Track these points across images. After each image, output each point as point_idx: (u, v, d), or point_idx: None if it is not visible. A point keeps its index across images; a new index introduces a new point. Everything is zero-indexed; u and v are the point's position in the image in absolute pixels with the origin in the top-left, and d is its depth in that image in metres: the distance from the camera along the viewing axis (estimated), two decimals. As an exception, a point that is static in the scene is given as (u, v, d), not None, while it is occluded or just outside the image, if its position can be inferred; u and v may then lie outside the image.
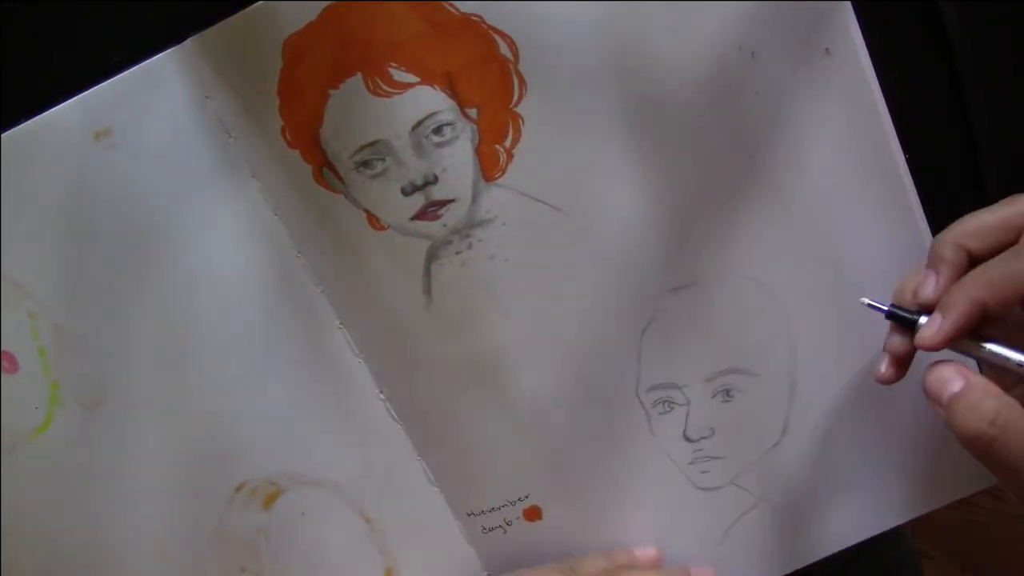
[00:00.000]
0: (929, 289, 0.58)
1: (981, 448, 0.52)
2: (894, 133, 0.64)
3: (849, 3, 0.62)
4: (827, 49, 0.62)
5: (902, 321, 0.59)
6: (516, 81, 0.62)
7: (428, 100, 0.62)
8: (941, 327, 0.56)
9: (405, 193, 0.63)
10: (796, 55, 0.62)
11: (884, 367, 0.61)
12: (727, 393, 0.67)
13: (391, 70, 0.61)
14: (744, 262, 0.65)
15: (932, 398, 0.56)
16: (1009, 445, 0.52)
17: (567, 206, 0.64)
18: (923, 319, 0.58)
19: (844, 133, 0.64)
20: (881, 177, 0.64)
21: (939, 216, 0.65)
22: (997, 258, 0.56)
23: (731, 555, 0.70)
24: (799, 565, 0.70)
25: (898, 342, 0.60)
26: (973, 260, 0.57)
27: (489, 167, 0.63)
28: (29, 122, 0.65)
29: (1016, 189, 0.67)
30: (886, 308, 0.60)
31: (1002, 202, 0.58)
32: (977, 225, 0.58)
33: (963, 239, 0.58)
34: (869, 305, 0.61)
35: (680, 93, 0.62)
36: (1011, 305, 0.55)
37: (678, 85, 0.62)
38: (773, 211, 0.64)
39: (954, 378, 0.55)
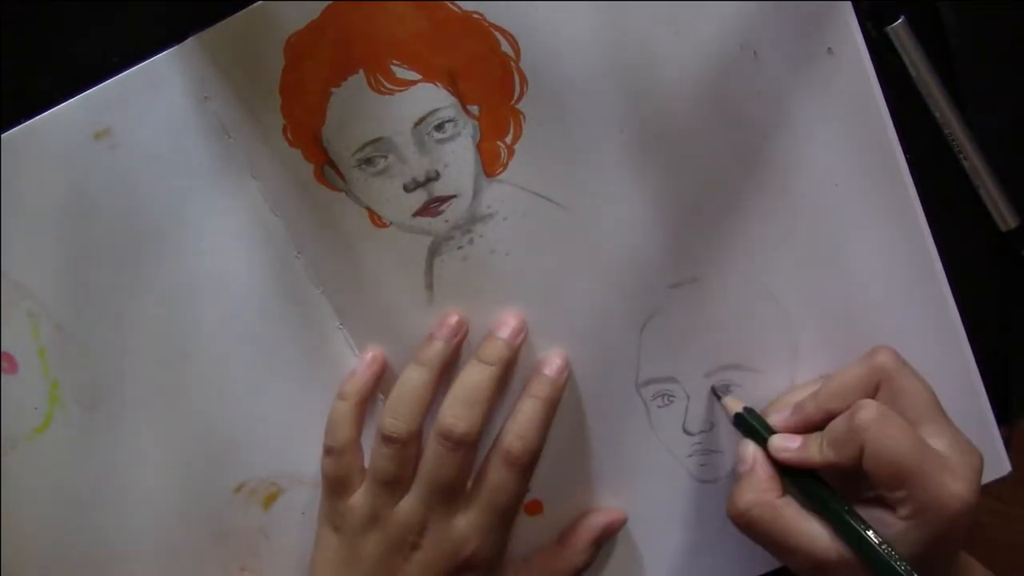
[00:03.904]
0: (775, 420, 0.64)
1: (738, 527, 0.63)
2: (895, 133, 0.64)
3: (850, 3, 0.62)
4: (829, 49, 0.63)
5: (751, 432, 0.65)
6: (517, 78, 0.62)
7: (430, 97, 0.62)
8: (787, 455, 0.63)
9: (407, 190, 0.63)
10: (798, 55, 0.63)
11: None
12: (726, 388, 0.67)
13: (393, 67, 0.62)
14: (744, 260, 0.65)
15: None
16: (753, 534, 0.62)
17: (568, 202, 0.64)
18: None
19: (845, 133, 0.64)
20: (882, 177, 0.65)
21: (939, 216, 0.65)
22: (838, 418, 0.61)
23: (730, 546, 0.69)
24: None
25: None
26: (834, 418, 0.62)
27: (490, 163, 0.63)
28: (29, 122, 0.65)
29: (1014, 189, 0.67)
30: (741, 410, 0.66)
31: (862, 357, 0.63)
32: (835, 388, 0.63)
33: (826, 403, 0.63)
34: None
35: (682, 91, 0.63)
36: (853, 462, 0.59)
37: (679, 83, 0.63)
38: (774, 209, 0.65)
39: (745, 460, 0.63)
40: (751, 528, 0.61)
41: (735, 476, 0.64)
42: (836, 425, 0.60)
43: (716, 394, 0.67)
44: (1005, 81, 0.68)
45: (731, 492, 0.62)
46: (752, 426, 0.64)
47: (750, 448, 0.63)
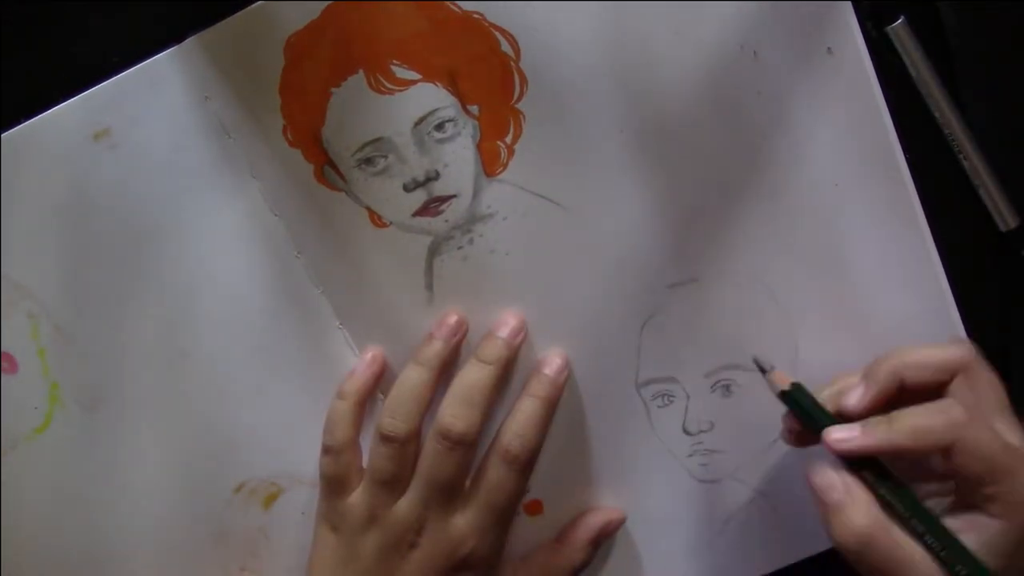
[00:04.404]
0: (854, 400, 0.61)
1: (852, 558, 0.58)
2: (895, 133, 0.64)
3: (850, 3, 0.62)
4: (829, 49, 0.62)
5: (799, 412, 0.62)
6: (517, 78, 0.62)
7: (430, 97, 0.62)
8: (851, 445, 0.59)
9: (407, 189, 0.64)
10: (798, 55, 0.63)
11: (787, 435, 0.64)
12: (727, 388, 0.67)
13: (393, 67, 0.62)
14: (744, 260, 0.65)
15: (815, 494, 0.59)
16: (872, 560, 0.57)
17: (568, 201, 0.64)
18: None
19: (845, 133, 0.64)
20: (882, 176, 0.64)
21: (939, 216, 0.65)
22: (924, 408, 0.58)
23: (729, 547, 0.70)
24: (797, 558, 0.70)
25: (795, 425, 0.63)
26: (904, 388, 0.60)
27: (490, 163, 0.63)
28: (29, 122, 0.65)
29: (1014, 188, 0.67)
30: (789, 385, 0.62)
31: (943, 344, 0.61)
32: (917, 359, 0.60)
33: (901, 369, 0.60)
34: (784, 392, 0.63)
35: (681, 91, 0.63)
36: (928, 453, 0.58)
37: (679, 83, 0.63)
38: (774, 209, 0.65)
39: (836, 487, 0.59)
40: (868, 549, 0.57)
41: (826, 507, 0.58)
42: (920, 415, 0.58)
43: (760, 367, 0.64)
44: (1005, 81, 0.68)
45: (838, 518, 0.58)
46: (802, 405, 0.61)
47: (830, 474, 0.59)
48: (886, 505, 0.59)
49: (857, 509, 0.58)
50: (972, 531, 0.57)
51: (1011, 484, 0.56)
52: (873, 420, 0.59)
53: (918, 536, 0.58)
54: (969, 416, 0.57)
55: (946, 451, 0.57)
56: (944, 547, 0.57)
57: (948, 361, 0.60)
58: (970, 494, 0.57)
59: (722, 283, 0.66)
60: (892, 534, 0.58)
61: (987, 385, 0.60)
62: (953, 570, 0.56)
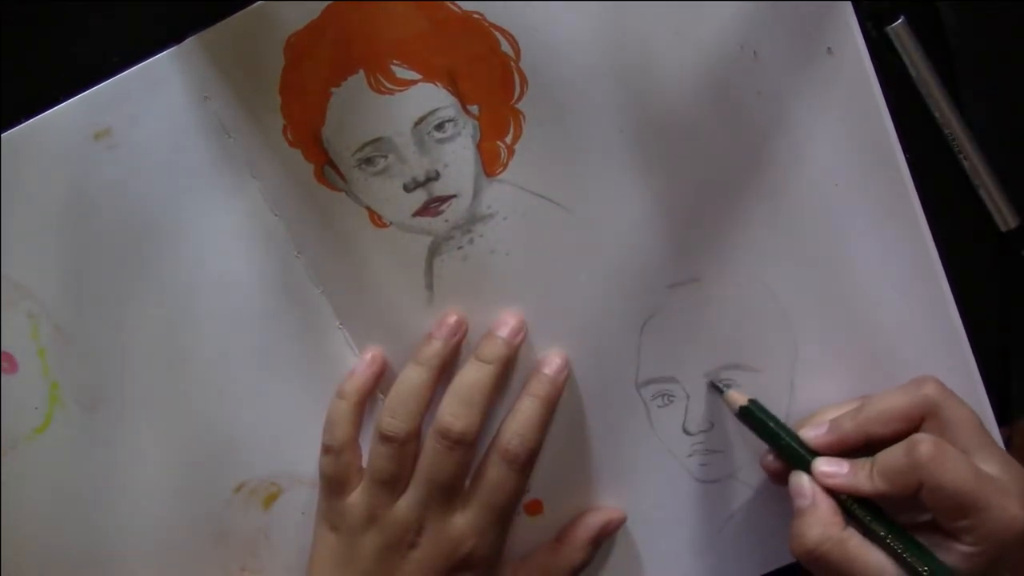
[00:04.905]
0: (811, 435, 0.63)
1: (806, 564, 0.60)
2: (895, 133, 0.64)
3: (850, 3, 0.62)
4: (829, 49, 0.62)
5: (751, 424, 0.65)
6: (517, 78, 0.62)
7: (430, 97, 0.62)
8: (836, 483, 0.61)
9: (407, 189, 0.64)
10: (798, 54, 0.63)
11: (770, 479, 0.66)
12: (727, 388, 0.67)
13: (393, 67, 0.62)
14: (744, 260, 0.65)
15: (790, 495, 0.62)
16: (822, 570, 0.60)
17: (568, 201, 0.64)
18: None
19: (845, 133, 0.64)
20: (882, 177, 0.64)
21: (939, 216, 0.65)
22: (894, 449, 0.60)
23: (730, 546, 0.70)
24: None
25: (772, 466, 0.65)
26: (872, 442, 0.61)
27: (490, 163, 0.63)
28: (29, 122, 0.65)
29: (1014, 188, 0.67)
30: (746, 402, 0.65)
31: (908, 385, 0.63)
32: (880, 412, 0.62)
33: (866, 425, 0.62)
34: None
35: (682, 91, 0.63)
36: (908, 494, 0.58)
37: (679, 83, 0.63)
38: (774, 209, 0.64)
39: (805, 494, 0.61)
40: (820, 563, 0.59)
41: (794, 512, 0.62)
42: (889, 457, 0.59)
43: (717, 388, 0.66)
44: (1005, 81, 0.68)
45: (795, 528, 0.61)
46: (760, 420, 0.64)
47: (805, 480, 0.62)
48: (848, 511, 0.60)
49: (815, 520, 0.60)
50: (942, 553, 0.58)
51: (983, 517, 0.57)
52: (860, 461, 0.61)
53: (880, 540, 0.59)
54: (938, 455, 0.57)
55: (917, 490, 0.58)
56: (907, 549, 0.58)
57: (912, 409, 0.61)
58: (944, 524, 0.58)
59: (722, 283, 0.65)
60: (846, 548, 0.59)
61: (957, 423, 0.60)
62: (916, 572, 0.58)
